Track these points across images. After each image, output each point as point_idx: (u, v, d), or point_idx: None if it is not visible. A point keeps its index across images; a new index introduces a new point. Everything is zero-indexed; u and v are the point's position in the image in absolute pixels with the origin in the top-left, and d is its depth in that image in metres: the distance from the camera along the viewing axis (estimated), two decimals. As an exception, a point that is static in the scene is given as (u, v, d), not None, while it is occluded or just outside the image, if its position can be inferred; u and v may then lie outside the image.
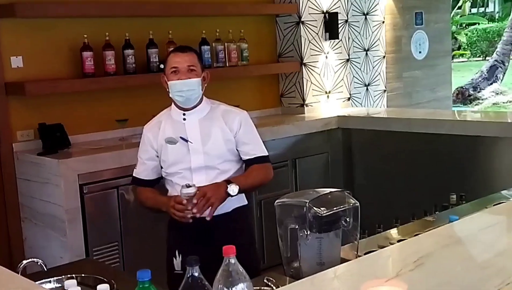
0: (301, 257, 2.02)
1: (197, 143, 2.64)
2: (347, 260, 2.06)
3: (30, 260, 1.85)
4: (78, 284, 2.03)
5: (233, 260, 1.36)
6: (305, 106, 5.12)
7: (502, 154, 4.03)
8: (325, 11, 5.18)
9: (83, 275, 2.01)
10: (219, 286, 1.33)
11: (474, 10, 25.80)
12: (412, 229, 2.44)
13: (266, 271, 2.47)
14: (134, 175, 2.82)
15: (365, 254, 2.14)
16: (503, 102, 12.65)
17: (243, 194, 2.77)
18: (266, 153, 2.79)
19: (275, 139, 4.43)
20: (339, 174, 4.88)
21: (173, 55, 2.68)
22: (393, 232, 2.47)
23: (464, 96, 12.75)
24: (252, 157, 2.73)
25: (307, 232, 1.97)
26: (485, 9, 28.69)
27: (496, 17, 28.61)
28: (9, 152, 3.82)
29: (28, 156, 3.73)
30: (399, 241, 2.25)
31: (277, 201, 2.08)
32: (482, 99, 12.88)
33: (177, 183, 2.64)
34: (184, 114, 2.68)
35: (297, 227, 2.02)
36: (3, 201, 3.84)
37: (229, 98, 3.66)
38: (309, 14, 5.07)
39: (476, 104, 12.76)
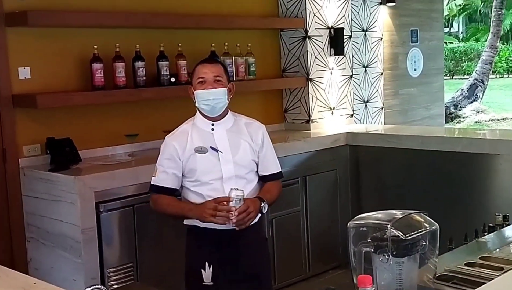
0: (378, 283, 1.90)
1: (227, 153, 2.70)
2: (423, 286, 1.97)
3: (94, 287, 1.68)
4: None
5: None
6: (310, 122, 5.03)
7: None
8: (330, 26, 5.13)
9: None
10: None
11: (440, 30, 26.38)
12: (469, 252, 2.35)
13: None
14: (153, 183, 2.77)
15: (437, 278, 2.05)
16: (485, 121, 12.89)
17: None
18: (280, 169, 2.92)
19: (286, 155, 4.32)
20: (347, 191, 4.80)
21: (201, 66, 2.75)
22: (450, 255, 2.37)
23: (446, 114, 12.95)
24: (269, 174, 2.86)
25: (388, 256, 1.86)
26: (449, 29, 29.40)
27: (461, 37, 29.34)
28: (15, 168, 3.61)
29: (38, 172, 3.53)
30: (467, 264, 2.16)
31: (350, 222, 1.97)
32: (463, 117, 13.09)
33: (208, 195, 2.66)
34: (212, 124, 2.73)
35: (372, 250, 1.91)
36: (8, 219, 3.63)
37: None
38: (315, 29, 5.01)
39: (457, 122, 12.96)
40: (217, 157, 2.69)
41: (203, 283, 2.66)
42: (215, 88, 2.68)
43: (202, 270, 2.65)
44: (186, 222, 2.78)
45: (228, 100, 2.73)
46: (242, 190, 2.60)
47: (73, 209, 3.29)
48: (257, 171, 2.82)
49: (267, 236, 3.02)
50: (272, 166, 2.87)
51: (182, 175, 2.73)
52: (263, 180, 2.85)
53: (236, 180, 2.70)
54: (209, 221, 2.59)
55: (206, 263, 2.64)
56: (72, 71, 3.85)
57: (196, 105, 2.73)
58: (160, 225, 3.63)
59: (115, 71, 3.87)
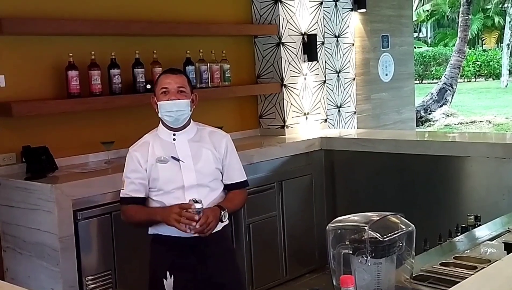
0: (357, 284, 1.95)
1: (189, 162, 2.71)
2: (400, 287, 2.02)
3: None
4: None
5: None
6: (285, 127, 5.09)
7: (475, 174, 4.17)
8: (303, 32, 5.20)
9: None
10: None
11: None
12: (444, 252, 2.42)
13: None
14: (122, 195, 2.80)
15: (413, 278, 2.10)
16: (455, 124, 13.16)
17: None
18: (245, 178, 2.91)
19: (262, 161, 4.36)
20: (322, 195, 4.86)
21: (164, 77, 2.75)
22: (425, 256, 2.44)
23: (416, 118, 13.17)
24: (234, 182, 2.85)
25: (366, 257, 1.91)
26: (418, 34, 29.88)
27: (429, 42, 29.85)
28: (-10, 177, 3.58)
29: (14, 181, 3.51)
30: (442, 263, 2.23)
31: (329, 225, 2.01)
32: (434, 121, 13.34)
33: (169, 203, 2.67)
34: (174, 134, 2.75)
35: (351, 252, 1.96)
36: (-17, 229, 3.59)
37: (210, 119, 3.49)
38: (288, 35, 5.07)
39: (428, 126, 13.20)
40: (178, 166, 2.70)
41: None
42: (179, 99, 2.68)
43: (164, 280, 2.50)
44: (150, 231, 2.80)
45: (191, 111, 2.75)
46: (201, 202, 2.59)
47: (51, 217, 3.28)
48: (222, 180, 2.83)
49: (233, 246, 3.00)
50: (237, 175, 2.86)
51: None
52: (227, 188, 2.85)
53: (199, 188, 2.71)
54: (173, 225, 2.58)
55: (168, 272, 2.49)
56: (48, 79, 3.84)
57: (159, 115, 2.73)
58: (138, 232, 3.61)
59: (90, 79, 3.88)
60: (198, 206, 2.58)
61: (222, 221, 2.69)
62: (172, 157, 2.70)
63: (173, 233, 2.66)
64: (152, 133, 2.82)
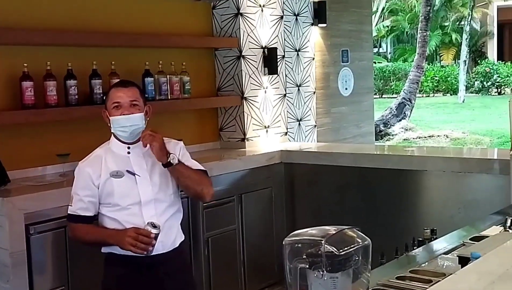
0: (313, 299, 1.93)
1: (144, 176, 2.64)
2: (356, 300, 2.01)
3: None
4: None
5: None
6: (246, 140, 5.07)
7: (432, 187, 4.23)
8: (264, 46, 5.21)
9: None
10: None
11: (370, 50, 27.19)
12: (400, 265, 2.43)
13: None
14: (70, 212, 2.72)
15: (369, 292, 2.10)
16: (413, 138, 13.39)
17: (181, 230, 2.82)
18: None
19: (221, 174, 4.33)
20: (282, 209, 4.85)
21: (115, 90, 2.68)
22: (381, 269, 2.44)
23: (376, 132, 13.35)
24: (194, 169, 2.77)
25: (322, 271, 1.89)
26: (378, 49, 30.37)
27: (389, 58, 30.36)
28: None
29: (-37, 194, 3.39)
30: (398, 277, 2.23)
31: (285, 239, 2.00)
32: (393, 135, 13.56)
33: (125, 221, 2.61)
34: (128, 148, 2.67)
35: (307, 266, 1.94)
36: None
37: (169, 132, 3.32)
38: (249, 48, 5.07)
39: (387, 140, 13.40)
40: (134, 180, 2.63)
41: None
42: (132, 113, 2.61)
43: None
44: (103, 249, 2.74)
45: (145, 124, 2.67)
46: (159, 227, 2.54)
47: (1, 232, 3.17)
48: (179, 195, 2.77)
49: (190, 262, 2.97)
50: (196, 166, 2.79)
51: (99, 201, 2.68)
52: None
53: (156, 203, 2.65)
54: (128, 249, 2.55)
55: None
56: (1, 89, 3.73)
57: (112, 130, 2.67)
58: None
59: (46, 90, 3.79)
60: (155, 231, 2.52)
61: (168, 163, 2.59)
62: (127, 171, 2.63)
63: (128, 252, 2.59)
64: (103, 147, 2.74)
